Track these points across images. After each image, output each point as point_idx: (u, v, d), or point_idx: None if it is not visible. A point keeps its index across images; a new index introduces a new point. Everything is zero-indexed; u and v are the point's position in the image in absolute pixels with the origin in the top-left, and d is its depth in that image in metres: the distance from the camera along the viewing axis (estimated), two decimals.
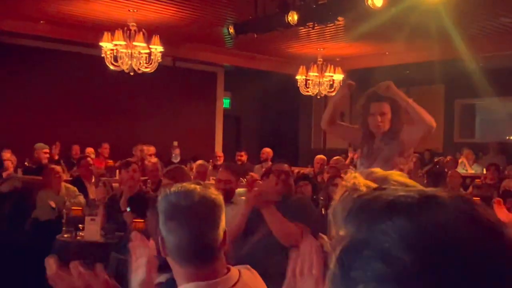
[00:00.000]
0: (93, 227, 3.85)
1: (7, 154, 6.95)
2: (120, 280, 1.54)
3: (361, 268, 0.52)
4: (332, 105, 3.46)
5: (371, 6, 4.88)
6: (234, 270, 1.54)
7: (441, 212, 0.52)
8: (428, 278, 0.49)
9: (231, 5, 6.65)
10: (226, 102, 11.41)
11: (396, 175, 1.29)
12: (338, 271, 0.55)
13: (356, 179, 1.22)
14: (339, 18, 5.70)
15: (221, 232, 1.51)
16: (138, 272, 1.49)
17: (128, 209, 4.33)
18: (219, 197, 1.54)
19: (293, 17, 5.55)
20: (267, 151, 8.58)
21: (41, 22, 7.84)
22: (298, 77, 9.16)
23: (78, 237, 4.10)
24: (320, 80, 9.04)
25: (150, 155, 7.78)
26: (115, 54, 7.24)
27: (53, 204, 5.64)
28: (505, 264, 0.51)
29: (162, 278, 2.12)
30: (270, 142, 9.53)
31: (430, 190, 0.57)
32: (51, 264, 1.57)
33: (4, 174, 6.49)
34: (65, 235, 4.16)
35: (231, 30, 6.40)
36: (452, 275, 0.49)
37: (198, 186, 1.52)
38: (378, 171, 1.31)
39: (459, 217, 0.53)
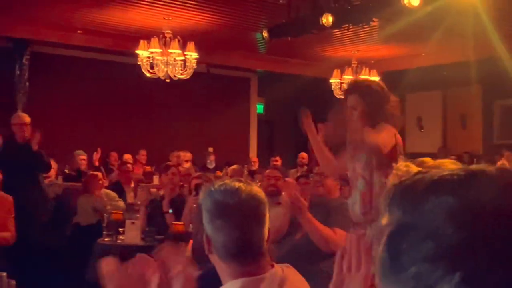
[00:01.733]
0: (133, 230, 3.90)
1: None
2: None
3: (410, 251, 0.52)
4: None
5: (407, 5, 4.83)
6: (277, 266, 1.55)
7: (488, 185, 0.52)
8: (480, 252, 0.48)
9: (264, 9, 6.67)
10: (260, 108, 11.43)
11: (449, 163, 1.27)
12: (387, 257, 0.55)
13: (409, 167, 1.20)
14: (374, 19, 5.66)
15: (266, 229, 1.53)
16: (176, 280, 1.50)
17: (170, 211, 4.43)
18: (263, 194, 1.55)
19: (327, 19, 5.53)
20: (305, 155, 8.59)
21: (79, 32, 8.02)
22: (332, 80, 9.12)
23: (119, 241, 4.16)
24: None
25: (186, 161, 7.87)
26: (151, 61, 7.36)
27: (96, 209, 5.75)
28: None
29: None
30: (305, 147, 9.50)
31: (475, 166, 0.56)
32: (108, 262, 1.59)
33: (47, 181, 6.64)
34: (106, 239, 4.22)
35: (265, 34, 6.42)
36: (504, 247, 0.49)
37: (241, 184, 1.54)
38: (429, 160, 1.29)
39: (507, 189, 0.52)
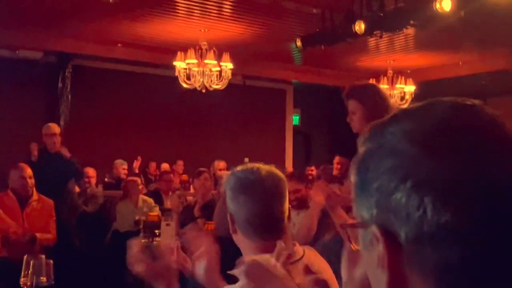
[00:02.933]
0: (168, 231, 4.01)
1: (90, 171, 7.32)
2: None
3: (374, 168, 0.58)
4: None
5: (439, 10, 4.82)
6: (298, 246, 1.60)
7: (438, 108, 0.59)
8: (431, 163, 0.55)
9: (299, 19, 6.75)
10: (295, 119, 11.48)
11: None
12: (358, 180, 0.61)
13: None
14: (408, 27, 5.66)
15: (287, 206, 1.58)
16: (201, 260, 1.57)
17: (200, 217, 4.51)
18: (282, 174, 1.61)
19: (360, 27, 5.57)
20: (338, 160, 8.55)
21: (119, 45, 8.28)
22: None
23: (155, 242, 4.27)
24: (391, 93, 8.94)
25: (220, 169, 7.97)
26: (187, 72, 7.53)
27: (136, 218, 5.88)
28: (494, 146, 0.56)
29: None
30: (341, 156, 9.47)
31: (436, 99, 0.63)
32: (135, 244, 1.67)
33: (88, 190, 6.85)
34: (143, 240, 4.33)
35: (299, 43, 6.49)
36: (452, 158, 0.54)
37: (261, 164, 1.61)
38: None
39: (454, 108, 0.59)
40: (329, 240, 3.72)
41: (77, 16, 6.91)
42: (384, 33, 5.73)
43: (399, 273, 0.56)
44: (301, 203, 4.41)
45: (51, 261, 1.84)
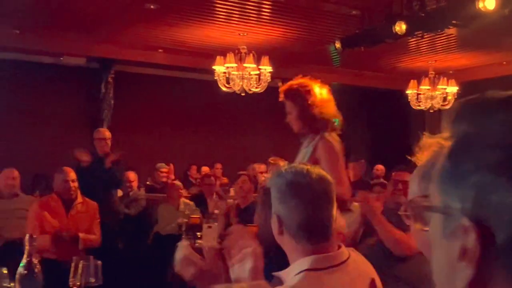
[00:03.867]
0: (210, 234, 4.03)
1: (131, 175, 7.45)
2: None
3: (474, 159, 0.52)
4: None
5: (482, 9, 4.72)
6: (344, 247, 1.60)
7: None
8: None
9: (337, 21, 6.72)
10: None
11: None
12: (448, 165, 0.55)
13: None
14: (450, 26, 5.56)
15: (335, 210, 1.59)
16: (245, 262, 1.57)
17: (238, 221, 4.53)
18: (329, 176, 1.60)
19: (400, 27, 5.50)
20: (381, 168, 8.50)
21: (159, 51, 8.41)
22: (409, 91, 8.98)
23: (197, 244, 4.30)
24: (433, 94, 8.79)
25: (261, 172, 7.98)
26: (227, 76, 7.59)
27: (178, 220, 5.95)
28: None
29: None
30: (380, 160, 9.37)
31: None
32: (183, 248, 1.69)
33: (131, 194, 6.98)
34: (185, 243, 4.37)
35: (338, 45, 6.45)
36: None
37: (309, 166, 1.60)
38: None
39: None
40: (373, 244, 3.73)
41: (119, 22, 7.05)
42: (425, 33, 5.64)
43: (486, 270, 0.52)
44: (340, 205, 4.38)
45: (100, 262, 1.88)
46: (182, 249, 1.60)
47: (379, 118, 11.06)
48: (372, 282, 1.59)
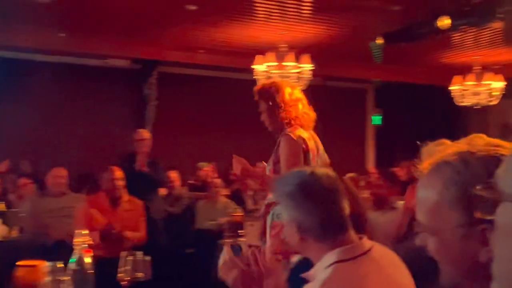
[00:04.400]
0: (252, 232, 4.06)
1: (173, 174, 7.56)
2: None
3: None
4: None
5: None
6: (366, 239, 1.62)
7: None
8: None
9: (379, 17, 6.63)
10: (377, 119, 11.28)
11: None
12: None
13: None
14: (495, 20, 5.42)
15: (346, 202, 1.60)
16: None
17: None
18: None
19: (444, 22, 5.39)
20: None
21: (201, 51, 8.51)
22: (453, 87, 8.79)
23: (238, 242, 4.34)
24: (478, 90, 8.58)
25: None
26: (267, 75, 7.59)
27: (219, 218, 6.02)
28: None
29: (293, 260, 2.22)
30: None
31: None
32: (226, 251, 1.73)
33: (174, 192, 7.09)
34: (227, 240, 4.41)
35: (380, 41, 6.38)
36: None
37: (311, 167, 1.63)
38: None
39: None
40: (418, 245, 3.69)
41: (161, 24, 7.17)
42: (469, 28, 5.52)
43: None
44: (380, 202, 4.37)
45: (148, 257, 1.93)
46: (223, 253, 1.62)
47: (422, 116, 10.87)
48: (401, 270, 1.59)
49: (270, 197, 3.02)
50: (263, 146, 10.39)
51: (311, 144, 3.14)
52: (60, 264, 1.73)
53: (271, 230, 3.07)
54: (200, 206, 6.70)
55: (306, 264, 1.65)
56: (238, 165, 3.28)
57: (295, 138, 3.07)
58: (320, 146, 3.27)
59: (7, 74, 8.05)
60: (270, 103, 3.12)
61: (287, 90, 3.13)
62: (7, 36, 7.62)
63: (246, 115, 9.65)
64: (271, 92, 3.13)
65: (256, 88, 3.26)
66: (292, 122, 3.11)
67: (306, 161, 3.08)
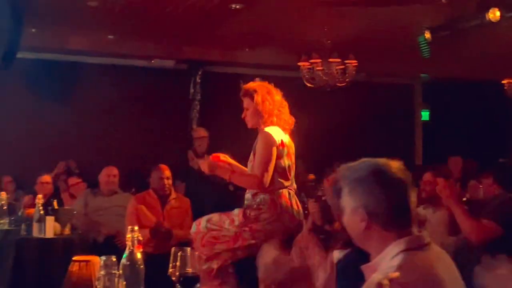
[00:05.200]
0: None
1: None
2: None
3: None
4: None
5: None
6: (425, 234, 1.63)
7: None
8: None
9: (426, 11, 6.50)
10: (425, 114, 11.06)
11: None
12: None
13: None
14: None
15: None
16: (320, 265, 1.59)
17: None
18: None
19: (494, 14, 5.24)
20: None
21: (245, 49, 8.54)
22: (505, 81, 8.54)
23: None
24: None
25: None
26: (311, 72, 7.57)
27: None
28: None
29: (339, 255, 2.21)
30: (477, 154, 8.98)
31: None
32: (266, 252, 1.78)
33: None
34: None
35: (427, 35, 6.25)
36: None
37: (381, 158, 1.63)
38: None
39: None
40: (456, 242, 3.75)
41: (205, 24, 7.23)
42: None
43: None
44: (433, 199, 4.32)
45: (197, 253, 1.96)
46: (268, 253, 1.64)
47: (472, 111, 10.59)
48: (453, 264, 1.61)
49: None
50: (304, 144, 10.32)
51: (286, 143, 3.44)
52: (114, 258, 1.77)
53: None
54: None
55: (355, 257, 1.65)
56: (204, 164, 3.64)
57: (271, 135, 3.34)
58: (293, 151, 3.52)
59: (58, 76, 8.30)
60: (257, 102, 3.41)
61: (274, 93, 3.50)
62: (58, 39, 7.87)
63: (291, 112, 9.66)
64: (259, 92, 3.44)
65: (245, 86, 3.54)
66: (274, 122, 3.41)
67: (280, 158, 3.32)
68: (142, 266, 2.00)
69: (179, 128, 9.04)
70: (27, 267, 4.61)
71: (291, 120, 3.55)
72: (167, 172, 4.95)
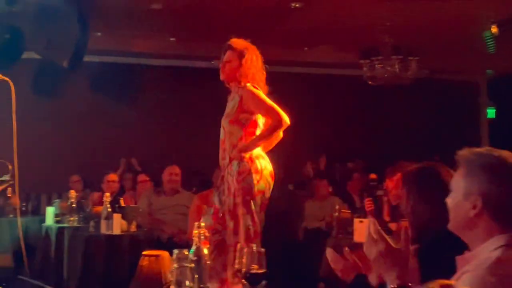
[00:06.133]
0: (362, 228, 4.01)
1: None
2: None
3: None
4: None
5: None
6: None
7: None
8: None
9: (491, 4, 6.27)
10: (491, 112, 10.67)
11: None
12: None
13: None
14: None
15: None
16: None
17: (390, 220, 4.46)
18: None
19: None
20: None
21: (305, 48, 8.51)
22: None
23: (349, 239, 4.31)
24: None
25: None
26: (373, 70, 7.46)
27: (326, 216, 6.02)
28: None
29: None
30: None
31: None
32: (330, 252, 1.82)
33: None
34: (338, 236, 4.40)
35: (494, 30, 6.03)
36: None
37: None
38: None
39: None
40: None
41: (265, 23, 7.26)
42: None
43: None
44: None
45: (263, 249, 1.97)
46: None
47: None
48: None
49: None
50: (367, 141, 10.20)
51: None
52: (186, 252, 1.82)
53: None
54: (307, 206, 6.73)
55: (442, 245, 1.63)
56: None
57: (258, 89, 3.46)
58: None
59: (122, 78, 8.57)
60: (243, 59, 3.49)
61: (259, 56, 3.56)
62: (122, 42, 8.11)
63: (352, 111, 9.56)
64: (250, 52, 3.53)
65: (234, 40, 3.63)
66: (255, 83, 3.50)
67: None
68: (208, 262, 2.03)
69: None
70: (96, 262, 4.79)
71: (265, 87, 3.60)
72: None
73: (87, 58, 7.07)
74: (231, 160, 3.36)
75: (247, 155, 3.33)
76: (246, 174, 3.33)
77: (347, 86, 9.16)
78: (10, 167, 4.23)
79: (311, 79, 9.50)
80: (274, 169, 7.16)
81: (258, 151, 3.47)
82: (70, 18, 6.08)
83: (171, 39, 8.11)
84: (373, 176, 8.16)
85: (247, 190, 3.32)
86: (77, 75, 7.15)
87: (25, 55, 6.12)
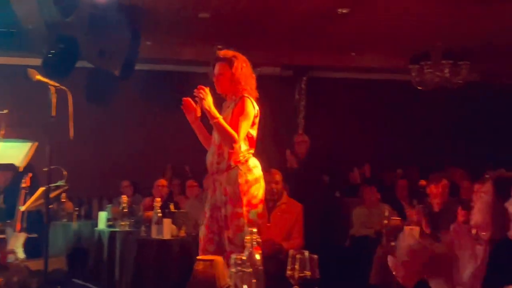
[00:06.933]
0: (412, 235, 3.95)
1: (325, 177, 7.60)
2: None
3: None
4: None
5: None
6: None
7: None
8: None
9: None
10: None
11: None
12: None
13: None
14: None
15: None
16: None
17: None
18: None
19: None
20: None
21: (352, 54, 8.46)
22: None
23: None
24: None
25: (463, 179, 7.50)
26: (422, 75, 7.35)
27: (375, 224, 5.95)
28: None
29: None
30: None
31: None
32: (390, 259, 1.80)
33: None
34: (388, 243, 4.34)
35: None
36: None
37: None
38: None
39: None
40: None
41: (311, 30, 7.26)
42: None
43: None
44: None
45: (316, 256, 1.98)
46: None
47: None
48: None
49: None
50: (415, 148, 9.99)
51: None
52: (244, 257, 1.84)
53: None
54: (356, 213, 6.66)
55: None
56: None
57: (253, 103, 3.54)
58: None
59: (171, 85, 8.72)
60: (236, 68, 3.53)
61: (248, 63, 3.62)
62: (171, 50, 8.28)
63: (400, 116, 9.40)
64: (239, 59, 3.58)
65: (222, 52, 3.68)
66: (248, 91, 3.55)
67: (253, 126, 3.56)
68: (261, 267, 2.05)
69: (284, 135, 9.13)
70: (147, 266, 4.89)
71: (256, 93, 3.65)
72: (277, 177, 4.96)
73: (138, 67, 7.28)
74: (229, 167, 3.39)
75: (245, 167, 3.47)
76: (250, 184, 3.45)
77: (393, 91, 9.03)
78: (65, 173, 4.39)
79: (358, 84, 9.43)
80: (320, 177, 7.21)
81: (254, 161, 3.60)
82: (121, 28, 6.27)
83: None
84: (422, 182, 8.03)
85: (248, 200, 3.43)
86: (128, 82, 7.33)
87: (79, 63, 6.35)
